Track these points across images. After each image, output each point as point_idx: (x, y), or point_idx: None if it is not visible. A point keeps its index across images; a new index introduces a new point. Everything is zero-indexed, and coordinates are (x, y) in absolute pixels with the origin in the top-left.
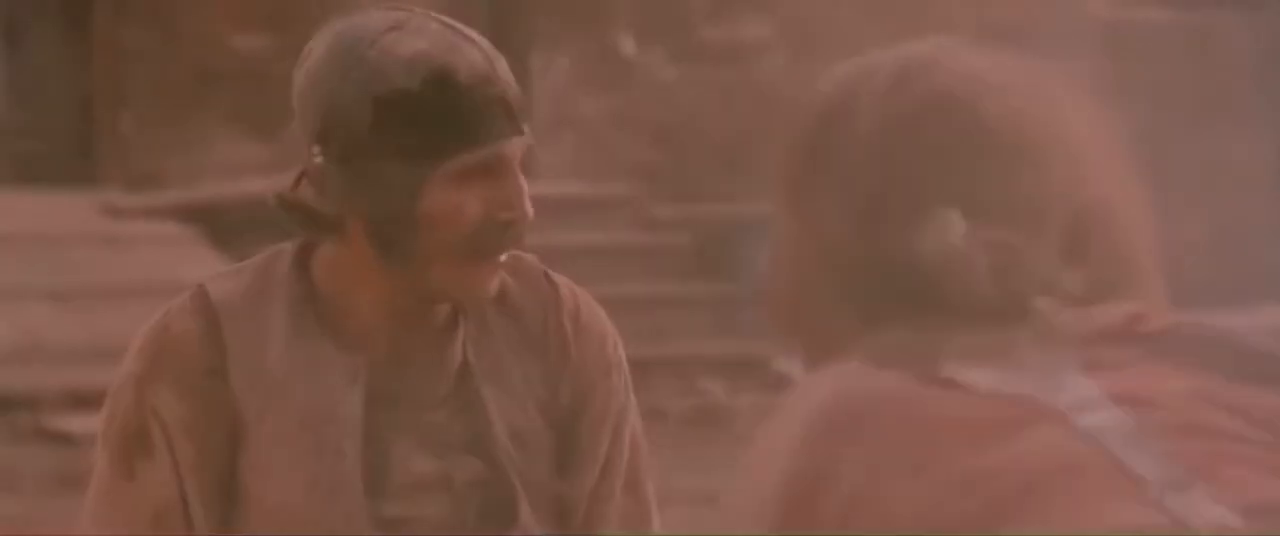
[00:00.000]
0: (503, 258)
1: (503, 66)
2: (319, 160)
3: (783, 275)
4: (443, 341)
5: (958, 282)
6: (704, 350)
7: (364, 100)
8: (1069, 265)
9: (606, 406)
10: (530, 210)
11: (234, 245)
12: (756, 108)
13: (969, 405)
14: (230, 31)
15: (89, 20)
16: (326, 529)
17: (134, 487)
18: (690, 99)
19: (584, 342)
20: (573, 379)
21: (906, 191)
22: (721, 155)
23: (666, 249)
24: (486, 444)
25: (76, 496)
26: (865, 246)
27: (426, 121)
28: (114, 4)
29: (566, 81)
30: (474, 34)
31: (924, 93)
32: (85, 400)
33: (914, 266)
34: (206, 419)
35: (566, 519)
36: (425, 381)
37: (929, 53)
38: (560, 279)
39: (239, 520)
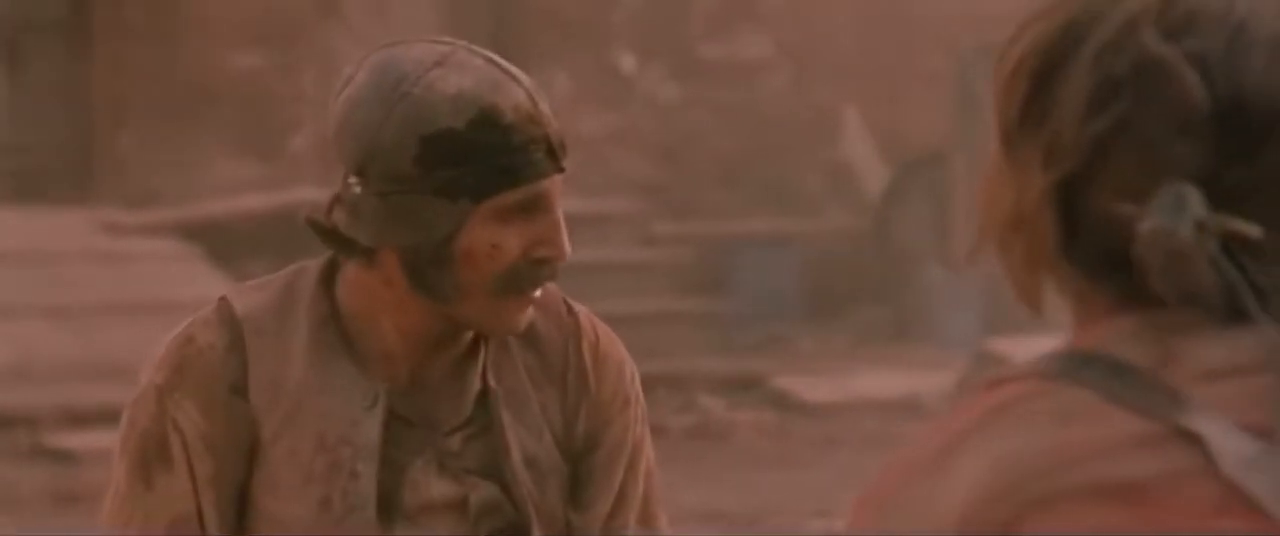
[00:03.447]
0: (536, 293)
1: (545, 104)
2: (357, 190)
3: (991, 207)
4: (464, 367)
5: (1174, 278)
6: (703, 366)
7: (408, 137)
8: None
9: (623, 438)
10: (568, 248)
11: (232, 262)
12: (755, 125)
13: (1200, 508)
14: (229, 50)
15: (89, 39)
16: None
17: (151, 497)
18: (689, 116)
19: (603, 374)
20: (590, 410)
21: (1132, 151)
22: (720, 172)
23: (666, 265)
24: (502, 470)
25: (74, 514)
26: (1078, 208)
27: (471, 160)
28: (114, 23)
29: (566, 99)
30: (517, 71)
31: (1183, 38)
32: (83, 418)
33: (1125, 246)
34: (226, 433)
35: None
36: (444, 405)
37: None
38: (580, 309)
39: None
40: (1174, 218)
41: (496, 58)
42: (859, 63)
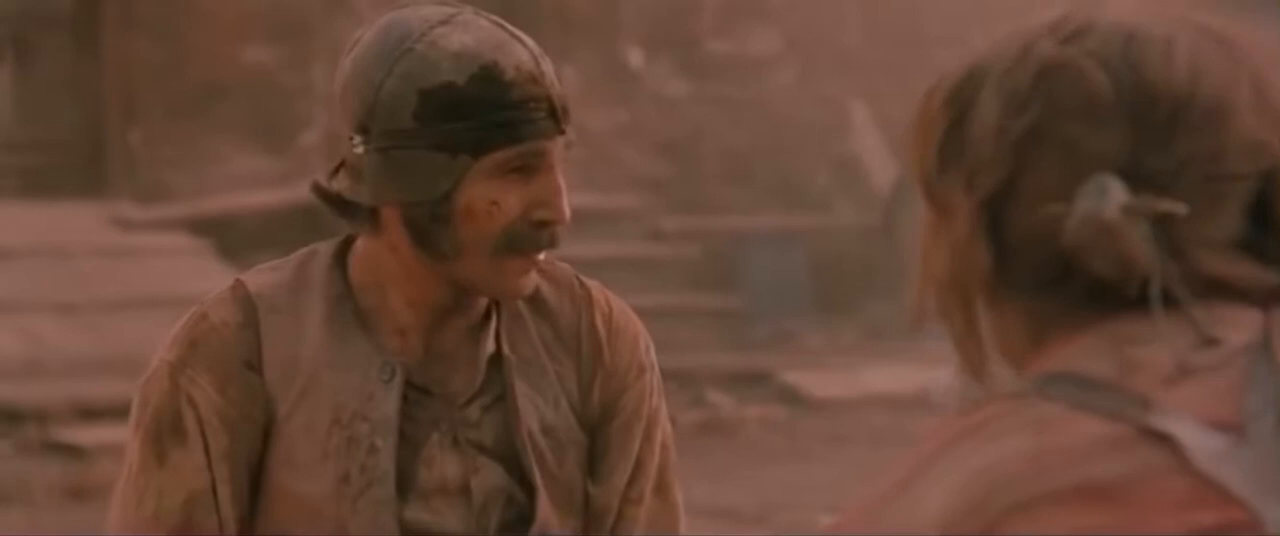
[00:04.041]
0: (540, 257)
1: (548, 67)
2: (359, 149)
3: (928, 268)
4: (477, 336)
5: (1110, 258)
6: (712, 362)
7: (408, 91)
8: (1251, 249)
9: (638, 408)
10: (567, 211)
11: (243, 257)
12: (763, 121)
13: (1173, 502)
14: (239, 45)
15: (98, 35)
16: (355, 525)
17: (165, 473)
18: (697, 112)
19: (617, 344)
20: (605, 380)
21: (1050, 153)
22: (728, 167)
23: (674, 261)
24: (515, 439)
25: (85, 508)
26: (1007, 226)
27: (470, 115)
28: (123, 18)
29: (574, 94)
30: (522, 34)
31: (1079, 40)
32: (94, 412)
33: (1060, 251)
34: (241, 409)
35: (597, 520)
36: (458, 375)
37: (1090, 7)
38: (593, 283)
39: (264, 512)
40: (1099, 204)
41: (502, 21)
42: (867, 58)
